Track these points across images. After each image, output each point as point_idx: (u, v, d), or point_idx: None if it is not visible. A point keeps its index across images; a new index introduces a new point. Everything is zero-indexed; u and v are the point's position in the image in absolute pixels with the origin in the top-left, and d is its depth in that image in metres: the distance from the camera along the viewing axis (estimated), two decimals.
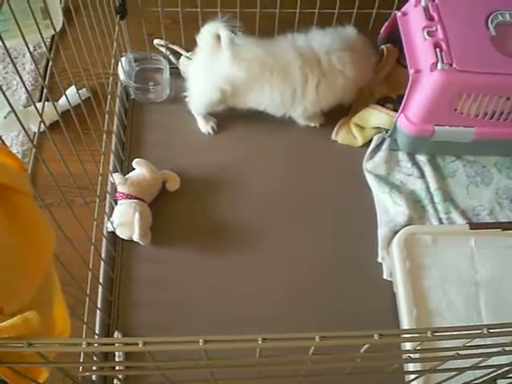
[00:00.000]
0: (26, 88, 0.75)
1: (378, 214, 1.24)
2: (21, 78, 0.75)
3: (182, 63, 1.40)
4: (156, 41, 1.43)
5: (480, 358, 0.59)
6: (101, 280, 1.11)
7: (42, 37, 0.81)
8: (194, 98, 1.31)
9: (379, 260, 1.18)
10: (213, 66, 1.21)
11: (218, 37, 1.17)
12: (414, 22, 1.19)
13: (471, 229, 1.15)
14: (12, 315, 0.52)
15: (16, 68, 0.72)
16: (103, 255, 1.13)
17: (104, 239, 1.15)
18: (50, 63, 0.83)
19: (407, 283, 1.09)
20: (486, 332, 0.49)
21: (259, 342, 0.47)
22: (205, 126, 1.34)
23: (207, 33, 1.18)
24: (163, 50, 1.43)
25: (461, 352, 0.55)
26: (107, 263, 1.14)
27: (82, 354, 0.65)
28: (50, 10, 0.91)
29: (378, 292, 1.15)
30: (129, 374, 0.92)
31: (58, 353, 0.60)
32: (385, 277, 1.16)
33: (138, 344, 0.46)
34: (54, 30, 0.87)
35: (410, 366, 0.99)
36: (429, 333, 0.48)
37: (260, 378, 0.64)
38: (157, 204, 1.23)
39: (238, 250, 1.20)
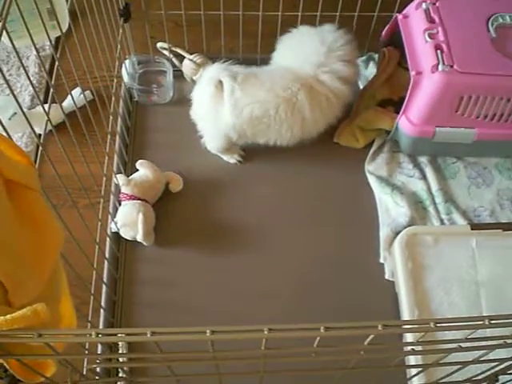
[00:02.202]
0: (33, 87, 0.76)
1: (380, 214, 1.24)
2: (28, 77, 0.76)
3: (185, 66, 1.41)
4: (159, 44, 1.44)
5: (482, 351, 0.60)
6: (105, 280, 1.12)
7: (49, 37, 0.82)
8: (207, 141, 1.30)
9: (381, 261, 1.19)
10: (216, 115, 1.19)
11: (221, 82, 1.15)
12: (415, 25, 1.20)
13: (472, 229, 1.16)
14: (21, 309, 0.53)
15: (24, 67, 0.73)
16: (107, 255, 1.14)
17: (108, 239, 1.15)
18: (57, 63, 0.84)
19: (409, 283, 1.10)
20: (487, 323, 0.49)
21: (265, 332, 0.48)
22: (231, 159, 1.32)
23: (210, 80, 1.16)
24: (166, 52, 1.44)
25: (463, 344, 0.56)
26: (111, 263, 1.15)
27: (88, 347, 0.65)
28: (57, 12, 0.91)
29: (380, 292, 1.15)
30: (135, 366, 0.93)
31: (65, 348, 0.61)
32: (387, 277, 1.17)
33: (146, 334, 0.47)
34: (61, 30, 0.88)
35: (413, 360, 1.00)
36: (432, 323, 0.49)
37: (264, 372, 0.64)
38: (160, 205, 1.24)
39: (240, 250, 1.21)
